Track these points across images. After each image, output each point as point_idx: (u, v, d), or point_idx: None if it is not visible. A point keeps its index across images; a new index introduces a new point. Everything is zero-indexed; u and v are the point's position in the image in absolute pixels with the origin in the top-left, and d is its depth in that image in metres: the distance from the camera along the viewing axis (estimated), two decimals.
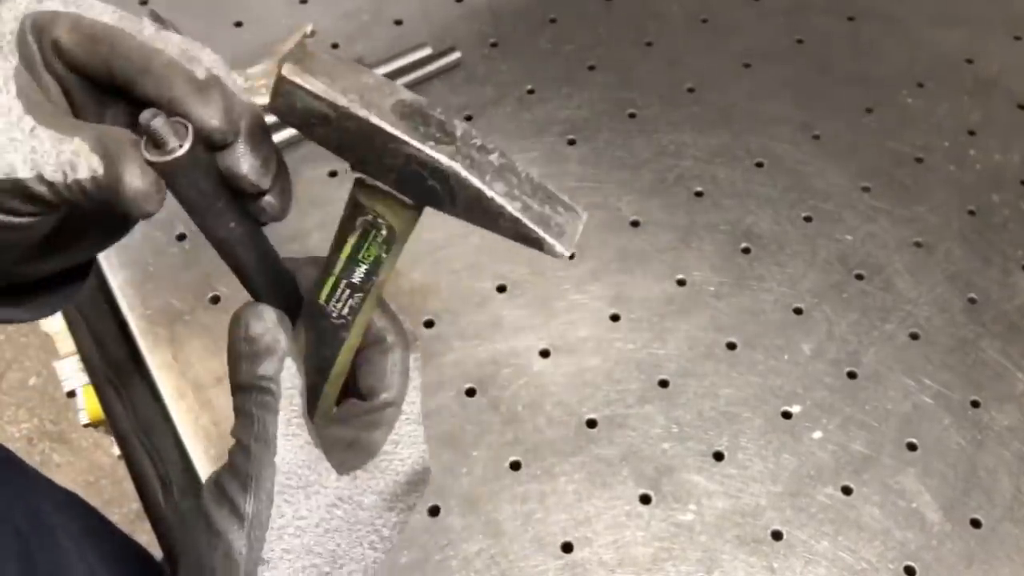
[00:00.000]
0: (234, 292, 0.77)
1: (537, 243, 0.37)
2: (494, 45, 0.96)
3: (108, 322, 0.78)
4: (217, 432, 0.71)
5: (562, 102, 0.92)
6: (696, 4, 1.01)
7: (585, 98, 0.92)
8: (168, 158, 0.37)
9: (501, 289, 0.80)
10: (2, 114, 0.37)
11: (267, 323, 0.42)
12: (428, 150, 0.37)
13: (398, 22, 0.97)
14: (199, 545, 0.41)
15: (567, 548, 0.68)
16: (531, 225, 0.37)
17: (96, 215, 0.44)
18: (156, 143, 0.37)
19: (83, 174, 0.36)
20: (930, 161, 0.91)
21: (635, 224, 0.85)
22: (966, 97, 0.97)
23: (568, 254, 0.37)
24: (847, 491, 0.72)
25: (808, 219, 0.86)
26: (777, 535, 0.69)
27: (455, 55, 0.92)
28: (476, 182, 0.37)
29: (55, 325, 1.21)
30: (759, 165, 0.90)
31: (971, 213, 0.88)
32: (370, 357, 0.45)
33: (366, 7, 0.98)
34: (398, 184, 0.38)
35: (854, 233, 0.86)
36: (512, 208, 0.37)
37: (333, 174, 0.85)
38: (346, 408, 0.46)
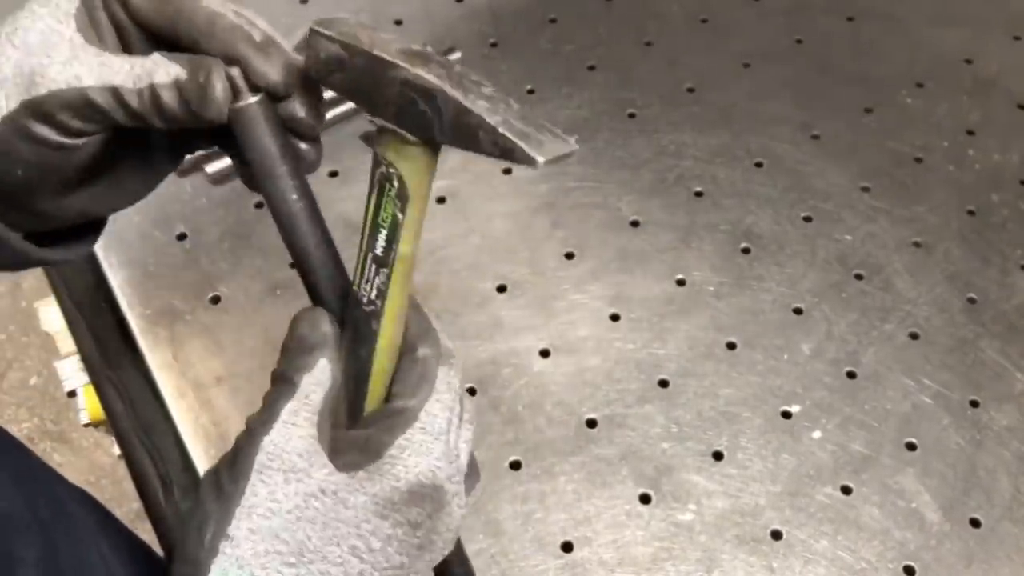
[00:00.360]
0: (234, 292, 0.78)
1: (512, 153, 0.38)
2: (494, 45, 0.96)
3: (108, 321, 0.79)
4: (217, 432, 0.71)
5: (562, 102, 0.92)
6: (696, 4, 1.01)
7: (585, 98, 0.93)
8: (248, 101, 0.42)
9: (501, 289, 0.80)
10: (64, 43, 0.40)
11: (316, 326, 0.43)
12: (418, 70, 0.39)
13: (398, 22, 0.97)
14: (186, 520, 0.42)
15: (567, 548, 0.68)
16: (508, 134, 0.38)
17: (133, 149, 0.46)
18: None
19: (161, 78, 0.40)
20: (929, 161, 0.91)
21: (635, 224, 0.85)
22: (965, 97, 0.97)
23: (541, 160, 0.38)
24: (846, 491, 0.72)
25: (808, 219, 0.86)
26: (776, 535, 0.70)
27: (456, 55, 0.92)
28: (460, 97, 0.39)
29: (56, 324, 1.21)
30: (759, 165, 0.90)
31: (970, 213, 0.88)
32: (402, 365, 0.45)
33: (366, 7, 0.98)
34: (398, 117, 0.41)
35: (854, 233, 0.86)
36: (492, 120, 0.38)
37: (334, 174, 0.85)
38: (373, 412, 0.46)
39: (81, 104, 0.40)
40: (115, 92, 0.40)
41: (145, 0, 0.42)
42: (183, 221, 0.82)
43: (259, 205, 0.83)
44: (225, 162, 0.83)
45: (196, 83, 0.40)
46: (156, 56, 0.41)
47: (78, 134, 0.41)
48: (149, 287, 0.78)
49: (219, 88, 0.41)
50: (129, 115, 0.41)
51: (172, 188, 0.83)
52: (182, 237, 0.81)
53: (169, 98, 0.40)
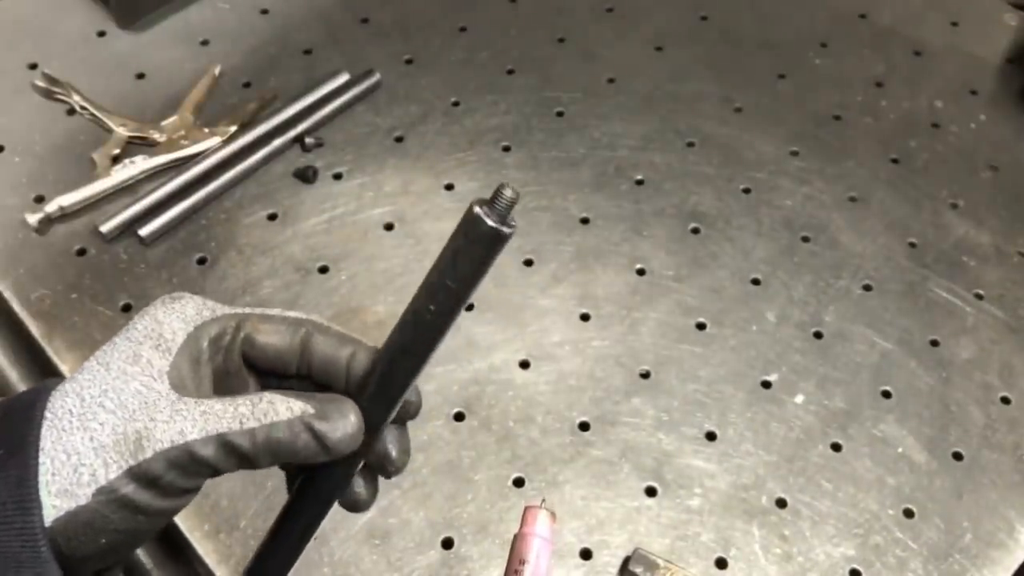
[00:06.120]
0: None
1: None
2: (409, 62, 0.94)
3: None
4: (208, 503, 0.68)
5: (489, 110, 0.91)
6: None
7: (510, 102, 0.92)
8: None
9: (468, 307, 0.79)
10: (163, 400, 0.39)
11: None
12: None
13: (307, 51, 0.94)
14: None
15: (586, 555, 0.68)
16: None
17: None
18: None
19: (283, 415, 0.39)
20: (847, 117, 0.95)
21: (585, 221, 0.85)
22: (867, 51, 1.01)
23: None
24: (837, 448, 0.74)
25: (747, 191, 0.88)
26: (781, 503, 0.71)
27: (375, 77, 0.90)
28: None
29: None
30: (691, 145, 0.91)
31: (894, 161, 0.92)
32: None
33: (271, 39, 0.95)
34: None
35: (792, 197, 0.88)
36: None
37: (273, 217, 0.83)
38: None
39: (187, 461, 0.38)
40: (222, 440, 0.38)
41: (278, 339, 0.43)
42: (125, 291, 0.77)
43: (201, 261, 0.80)
44: (159, 221, 0.79)
45: (327, 415, 0.40)
46: (269, 395, 0.40)
47: (181, 493, 0.39)
48: None
49: (353, 423, 0.41)
50: (238, 460, 0.39)
51: (106, 257, 0.79)
52: (127, 308, 0.77)
53: (291, 436, 0.39)
